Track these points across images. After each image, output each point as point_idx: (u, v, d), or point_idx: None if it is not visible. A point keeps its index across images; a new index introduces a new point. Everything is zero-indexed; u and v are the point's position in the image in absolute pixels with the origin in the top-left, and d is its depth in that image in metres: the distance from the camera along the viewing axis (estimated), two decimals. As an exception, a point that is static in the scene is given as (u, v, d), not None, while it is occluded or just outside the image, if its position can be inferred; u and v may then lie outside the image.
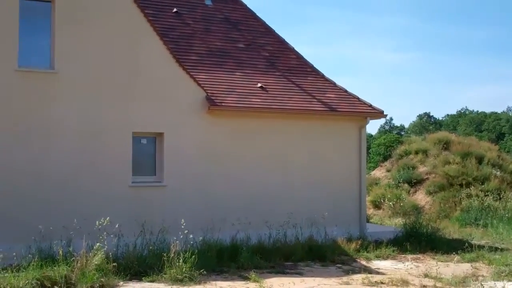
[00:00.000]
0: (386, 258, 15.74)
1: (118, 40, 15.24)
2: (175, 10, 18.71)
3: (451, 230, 20.18)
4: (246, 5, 20.41)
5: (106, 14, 15.12)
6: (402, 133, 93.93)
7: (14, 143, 14.09)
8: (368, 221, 20.17)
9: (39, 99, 14.38)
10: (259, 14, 20.49)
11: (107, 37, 15.11)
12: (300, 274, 13.29)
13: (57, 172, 14.46)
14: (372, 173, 32.60)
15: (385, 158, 39.34)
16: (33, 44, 14.60)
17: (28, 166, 14.17)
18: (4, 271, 11.22)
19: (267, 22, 20.16)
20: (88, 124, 14.82)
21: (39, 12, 14.72)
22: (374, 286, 12.26)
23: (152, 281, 12.02)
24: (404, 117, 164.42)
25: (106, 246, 12.25)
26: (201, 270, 12.23)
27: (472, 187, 25.47)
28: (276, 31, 20.09)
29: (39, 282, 10.89)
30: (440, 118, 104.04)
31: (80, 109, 14.76)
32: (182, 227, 13.45)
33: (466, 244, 16.53)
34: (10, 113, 14.08)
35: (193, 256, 12.36)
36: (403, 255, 16.05)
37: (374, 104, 18.74)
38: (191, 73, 16.30)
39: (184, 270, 12.11)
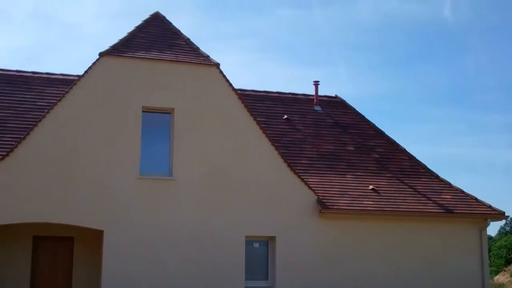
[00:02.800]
0: None
1: (232, 146, 15.61)
2: (285, 117, 19.05)
3: None
4: (355, 109, 20.43)
5: (221, 122, 15.65)
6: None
7: (132, 248, 14.44)
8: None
9: (158, 204, 14.83)
10: (369, 117, 20.35)
11: (221, 144, 15.55)
12: None
13: (172, 275, 14.54)
14: (495, 278, 30.24)
15: (508, 262, 36.52)
16: (153, 152, 15.26)
17: (143, 272, 14.37)
18: None
19: (377, 124, 19.98)
20: (203, 228, 14.99)
21: (159, 123, 15.50)
22: None
23: None
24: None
25: None
26: None
27: None
28: (386, 132, 19.81)
29: None
30: None
31: (195, 213, 15.02)
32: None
33: None
34: (130, 219, 14.55)
35: None
36: None
37: (494, 205, 17.63)
38: (303, 177, 16.24)
39: None
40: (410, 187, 17.75)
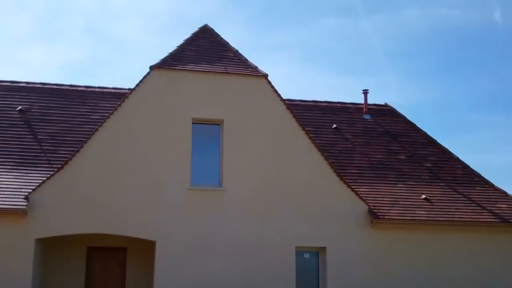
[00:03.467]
0: None
1: (281, 156, 15.59)
2: (334, 126, 18.90)
3: None
4: (405, 117, 20.11)
5: (270, 133, 15.66)
6: None
7: (183, 258, 14.56)
8: None
9: (208, 215, 14.92)
10: (420, 125, 19.98)
11: (270, 154, 15.55)
12: None
13: (223, 285, 14.60)
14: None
15: None
16: (203, 163, 15.38)
17: (195, 282, 14.49)
18: None
19: (429, 133, 19.60)
20: (253, 238, 14.99)
21: (209, 134, 15.62)
22: None
23: None
24: None
25: None
26: None
27: None
28: (438, 141, 19.40)
29: None
30: None
31: (245, 224, 15.04)
32: None
33: None
34: (181, 229, 14.68)
35: None
36: None
37: (553, 214, 16.95)
38: (353, 187, 16.06)
39: None
40: (464, 196, 17.31)
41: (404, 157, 18.42)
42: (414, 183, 17.44)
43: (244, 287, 14.72)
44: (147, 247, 15.20)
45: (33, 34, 40.07)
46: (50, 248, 15.22)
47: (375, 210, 15.84)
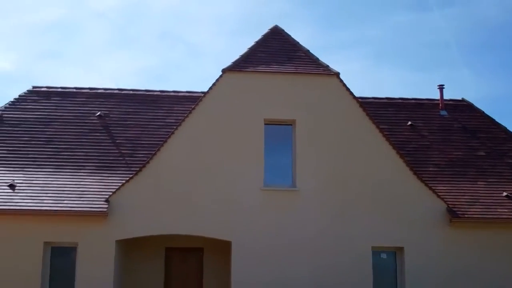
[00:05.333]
0: None
1: (355, 155, 15.37)
2: (410, 123, 18.44)
3: None
4: (484, 112, 19.36)
5: (343, 132, 15.48)
6: None
7: (259, 258, 14.61)
8: None
9: (282, 215, 14.90)
10: (499, 120, 19.20)
11: (344, 153, 15.36)
12: None
13: (299, 285, 14.56)
14: None
15: None
16: (276, 164, 15.38)
17: (271, 282, 14.50)
18: None
19: (509, 128, 18.78)
20: (328, 238, 14.86)
21: (281, 134, 15.60)
22: None
23: None
24: None
25: None
26: None
27: None
28: (519, 136, 18.55)
29: None
30: None
31: (320, 224, 14.92)
32: None
33: None
34: (256, 229, 14.74)
35: None
36: None
37: None
38: (430, 185, 15.62)
39: None
40: (549, 193, 16.47)
41: (484, 154, 17.73)
42: (494, 180, 16.76)
43: (321, 287, 14.59)
44: (223, 247, 15.36)
45: (109, 41, 41.46)
46: (129, 249, 15.65)
47: (454, 209, 15.34)
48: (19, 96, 18.04)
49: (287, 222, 14.88)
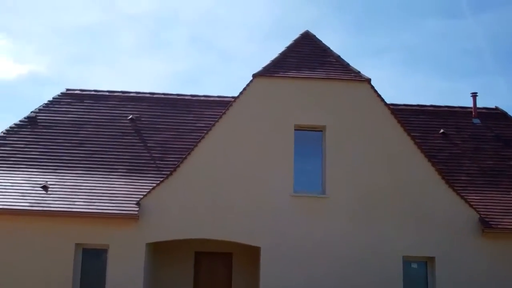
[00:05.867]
0: None
1: (386, 163, 15.25)
2: (442, 131, 18.22)
3: None
4: (517, 121, 19.04)
5: (374, 138, 15.37)
6: None
7: (288, 264, 14.57)
8: None
9: (312, 222, 14.86)
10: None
11: (375, 160, 15.25)
12: None
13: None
14: None
15: None
16: (306, 170, 15.34)
17: (297, 285, 14.46)
18: None
19: (544, 137, 18.41)
20: (358, 247, 14.76)
21: (311, 140, 15.57)
22: None
23: None
24: None
25: None
26: None
27: None
28: (555, 145, 18.17)
29: None
30: None
31: (349, 232, 14.83)
32: None
33: None
34: (285, 236, 14.71)
35: None
36: None
37: None
38: (462, 194, 15.41)
39: None
40: None
41: (518, 163, 17.42)
42: (528, 190, 16.45)
43: (349, 296, 14.50)
44: (252, 253, 15.36)
45: (141, 45, 41.87)
46: (159, 252, 15.75)
47: (487, 219, 15.11)
48: (53, 98, 18.33)
49: (317, 228, 14.82)
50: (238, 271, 15.96)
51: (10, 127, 17.16)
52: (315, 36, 16.96)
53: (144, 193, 14.89)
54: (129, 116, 17.76)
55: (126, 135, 17.19)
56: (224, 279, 15.97)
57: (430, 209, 15.07)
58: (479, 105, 19.28)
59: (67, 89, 18.71)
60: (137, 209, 14.54)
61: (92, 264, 14.71)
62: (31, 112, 17.74)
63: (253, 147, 15.20)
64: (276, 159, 15.16)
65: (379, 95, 15.67)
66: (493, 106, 19.67)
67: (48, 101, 18.23)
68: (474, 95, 19.20)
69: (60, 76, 41.30)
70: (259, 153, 15.18)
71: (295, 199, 14.94)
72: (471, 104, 19.21)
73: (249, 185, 14.97)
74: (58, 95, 18.45)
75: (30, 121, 17.39)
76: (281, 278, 14.52)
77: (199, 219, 14.73)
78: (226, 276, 15.97)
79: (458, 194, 15.25)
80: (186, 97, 18.73)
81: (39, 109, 17.85)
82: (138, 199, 14.75)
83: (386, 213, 14.98)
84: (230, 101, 16.48)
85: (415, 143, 15.50)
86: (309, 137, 15.66)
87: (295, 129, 15.44)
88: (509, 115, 19.28)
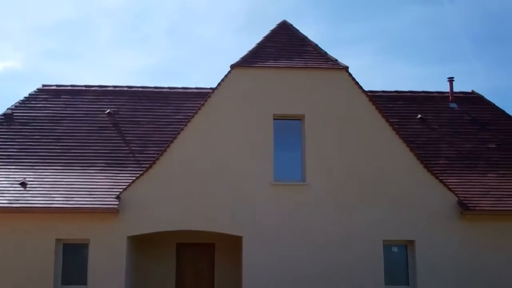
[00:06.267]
0: None
1: (365, 149, 15.35)
2: (419, 116, 18.38)
3: None
4: (494, 104, 19.25)
5: (352, 126, 15.46)
6: None
7: (270, 253, 14.67)
8: None
9: (292, 210, 14.95)
10: (510, 112, 19.05)
11: (353, 147, 15.35)
12: None
13: (310, 280, 14.60)
14: None
15: None
16: (285, 158, 15.41)
17: (282, 277, 14.56)
18: None
19: (520, 119, 18.65)
20: (338, 233, 14.87)
21: (290, 129, 15.63)
22: None
23: None
24: None
25: None
26: None
27: None
28: (530, 128, 18.42)
29: None
30: None
31: (330, 218, 14.94)
32: None
33: None
34: (267, 225, 14.79)
35: None
36: None
37: None
38: (441, 178, 15.57)
39: None
40: (561, 184, 16.36)
41: (494, 146, 17.64)
42: (505, 172, 16.67)
43: (332, 281, 14.63)
44: (234, 242, 15.42)
45: (119, 39, 41.58)
46: (141, 245, 15.75)
47: (465, 202, 15.29)
48: (29, 95, 18.17)
49: (298, 216, 14.90)
50: (221, 261, 16.03)
51: (-14, 125, 16.99)
52: (292, 25, 16.98)
53: (124, 187, 14.85)
54: (106, 110, 17.67)
55: (104, 130, 17.10)
56: (206, 269, 16.02)
57: (409, 193, 15.21)
58: (455, 89, 19.47)
59: (43, 85, 18.56)
60: (117, 203, 14.50)
61: (73, 259, 14.66)
62: (7, 109, 17.58)
63: (232, 138, 15.22)
64: (256, 149, 15.20)
65: (357, 83, 15.76)
66: (469, 91, 19.87)
67: (24, 97, 18.07)
68: (451, 80, 19.37)
69: (36, 73, 40.94)
70: (238, 144, 15.20)
71: (276, 188, 15.01)
72: (448, 89, 19.39)
73: (229, 175, 14.99)
74: (35, 91, 18.30)
75: (7, 118, 17.23)
76: (264, 267, 14.59)
77: (179, 211, 14.74)
78: (208, 267, 16.03)
79: (436, 177, 15.40)
80: (164, 90, 18.66)
81: (15, 106, 17.70)
82: (118, 193, 14.71)
83: (365, 199, 15.09)
84: (208, 93, 16.42)
85: (394, 129, 15.61)
86: (288, 126, 15.71)
87: (274, 119, 15.48)
88: (486, 99, 19.49)
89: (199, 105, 15.65)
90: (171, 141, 15.22)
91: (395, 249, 15.24)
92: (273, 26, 16.96)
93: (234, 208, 14.82)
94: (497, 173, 16.60)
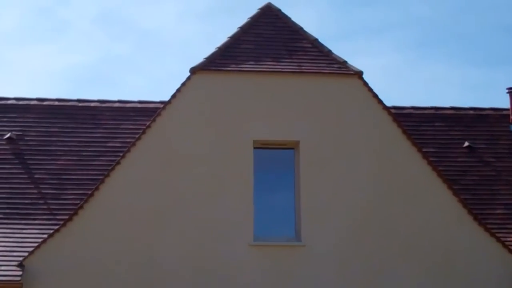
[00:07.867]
0: None
1: (385, 191, 15.51)
2: (467, 144, 18.58)
3: None
4: None
5: (366, 159, 15.63)
6: None
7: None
8: None
9: (279, 282, 14.93)
10: None
11: (369, 188, 15.50)
12: None
13: None
14: None
15: None
16: (271, 206, 15.64)
17: None
18: None
19: None
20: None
21: (278, 162, 15.99)
22: None
23: None
24: None
25: None
26: None
27: None
28: None
29: None
30: None
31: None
32: None
33: None
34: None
35: None
36: None
37: None
38: (498, 235, 15.74)
39: None
40: None
41: None
42: None
43: None
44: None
45: (27, 29, 41.48)
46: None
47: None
48: None
49: (288, 290, 14.88)
50: None
51: None
52: (280, 11, 17.15)
53: (31, 249, 14.69)
54: (6, 134, 17.60)
55: (2, 162, 17.05)
56: None
57: (452, 255, 15.40)
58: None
59: None
60: (20, 273, 14.34)
61: None
62: None
63: (191, 176, 15.24)
64: (227, 192, 15.25)
65: (375, 95, 15.98)
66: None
67: None
68: (511, 92, 19.58)
69: None
70: (200, 185, 15.20)
71: (257, 250, 15.03)
72: (507, 105, 19.56)
73: (189, 228, 15.00)
74: None
75: None
76: None
77: (112, 285, 14.61)
78: None
79: (492, 234, 15.55)
80: (92, 104, 18.70)
81: None
82: (21, 259, 14.55)
83: (388, 263, 15.19)
84: (157, 109, 16.45)
85: (429, 162, 15.77)
86: (276, 157, 15.97)
87: (254, 147, 15.58)
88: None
89: (143, 127, 15.61)
90: (101, 181, 15.17)
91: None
92: (253, 11, 17.09)
93: (195, 282, 14.72)
94: None
